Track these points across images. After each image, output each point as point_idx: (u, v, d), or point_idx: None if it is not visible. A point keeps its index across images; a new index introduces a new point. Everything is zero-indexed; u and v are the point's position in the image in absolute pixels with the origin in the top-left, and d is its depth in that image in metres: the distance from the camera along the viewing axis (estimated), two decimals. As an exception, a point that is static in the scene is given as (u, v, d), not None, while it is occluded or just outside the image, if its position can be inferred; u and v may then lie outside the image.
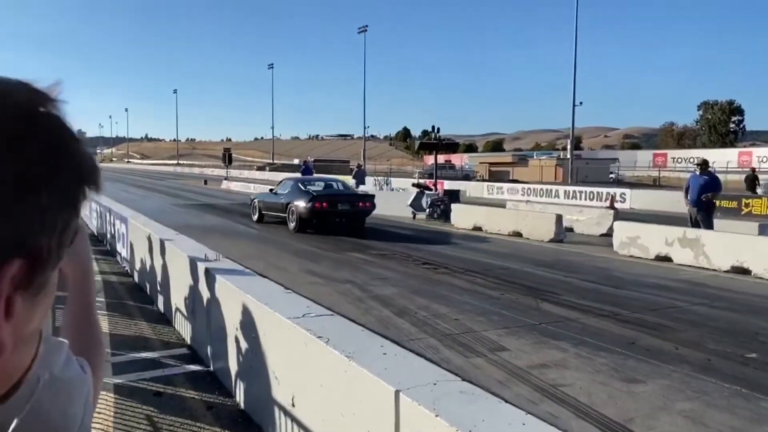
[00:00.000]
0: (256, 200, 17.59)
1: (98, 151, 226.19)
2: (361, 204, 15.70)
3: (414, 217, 18.87)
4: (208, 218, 18.87)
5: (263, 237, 14.41)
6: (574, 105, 50.77)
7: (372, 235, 15.08)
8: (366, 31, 67.83)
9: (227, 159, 38.64)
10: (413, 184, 20.72)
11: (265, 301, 4.05)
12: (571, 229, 15.50)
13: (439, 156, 22.65)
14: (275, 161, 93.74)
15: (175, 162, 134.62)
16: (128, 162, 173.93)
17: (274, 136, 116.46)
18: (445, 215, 17.79)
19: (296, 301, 4.11)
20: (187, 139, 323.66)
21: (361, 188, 24.80)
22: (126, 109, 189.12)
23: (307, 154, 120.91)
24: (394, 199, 20.69)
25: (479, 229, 15.86)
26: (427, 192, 19.33)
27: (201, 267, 5.43)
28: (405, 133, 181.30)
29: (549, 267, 10.70)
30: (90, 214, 15.48)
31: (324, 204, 15.06)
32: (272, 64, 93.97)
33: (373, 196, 16.69)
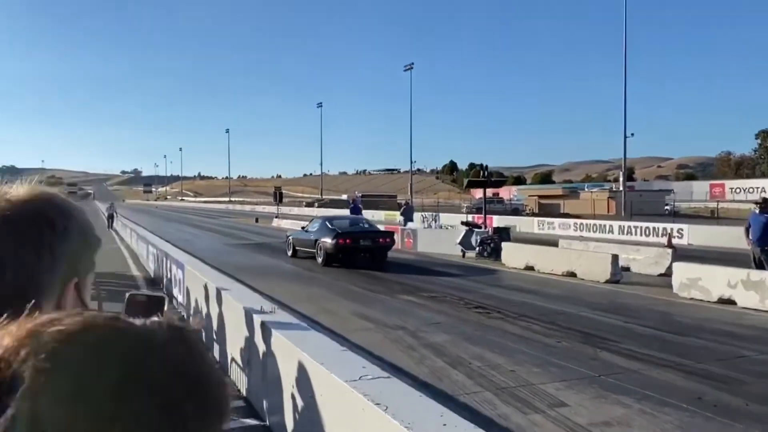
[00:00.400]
0: (290, 237, 19.47)
1: (153, 189, 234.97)
2: (381, 240, 17.29)
3: (464, 256, 18.73)
4: (260, 258, 19.17)
5: (312, 278, 14.59)
6: (625, 136, 49.92)
7: (422, 275, 15.03)
8: (412, 68, 68.81)
9: (278, 197, 39.39)
10: (462, 222, 20.59)
11: (321, 360, 4.05)
12: (627, 269, 15.08)
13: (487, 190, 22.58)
14: (324, 197, 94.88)
15: (227, 199, 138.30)
16: (182, 200, 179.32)
17: (322, 172, 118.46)
18: (496, 253, 17.59)
19: (352, 361, 4.10)
20: (239, 177, 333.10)
21: (410, 225, 24.85)
22: (180, 149, 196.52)
23: (355, 189, 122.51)
24: (443, 237, 20.63)
25: (531, 268, 15.60)
26: (476, 230, 19.18)
27: (257, 320, 5.49)
28: (451, 167, 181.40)
29: (606, 311, 10.41)
30: (147, 257, 15.97)
31: (347, 240, 16.64)
32: (321, 103, 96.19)
33: (392, 233, 18.55)
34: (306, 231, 18.37)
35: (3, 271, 0.91)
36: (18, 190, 1.00)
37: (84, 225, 1.04)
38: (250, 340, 5.72)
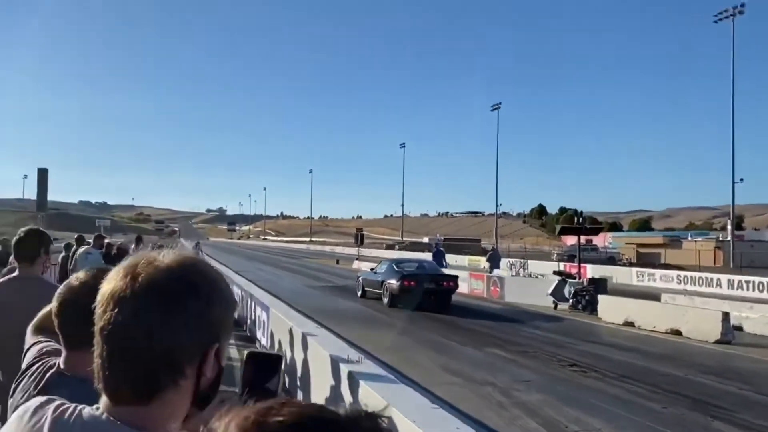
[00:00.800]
0: (360, 278, 20.93)
1: (237, 227, 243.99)
2: (445, 284, 18.23)
3: (555, 308, 18.21)
4: (342, 302, 19.36)
5: (394, 325, 14.63)
6: (733, 181, 47.48)
7: (511, 327, 14.79)
8: (499, 108, 68.80)
9: (359, 239, 39.93)
10: (555, 272, 20.08)
11: (413, 418, 4.00)
12: (739, 328, 14.16)
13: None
14: (404, 239, 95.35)
15: (308, 239, 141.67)
16: (264, 239, 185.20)
17: (403, 214, 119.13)
18: (591, 306, 17.00)
19: (445, 420, 4.05)
20: (320, 217, 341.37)
21: (496, 272, 24.51)
22: (264, 188, 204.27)
23: (437, 232, 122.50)
24: (532, 286, 20.17)
25: (631, 324, 14.93)
26: (569, 280, 18.64)
27: (344, 369, 5.51)
28: (540, 210, 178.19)
29: (718, 375, 9.77)
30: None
31: (412, 282, 17.69)
32: (404, 144, 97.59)
33: (456, 276, 19.09)
34: (374, 272, 19.65)
35: (151, 337, 0.98)
36: (165, 256, 1.07)
37: (225, 290, 1.09)
38: (336, 390, 5.73)
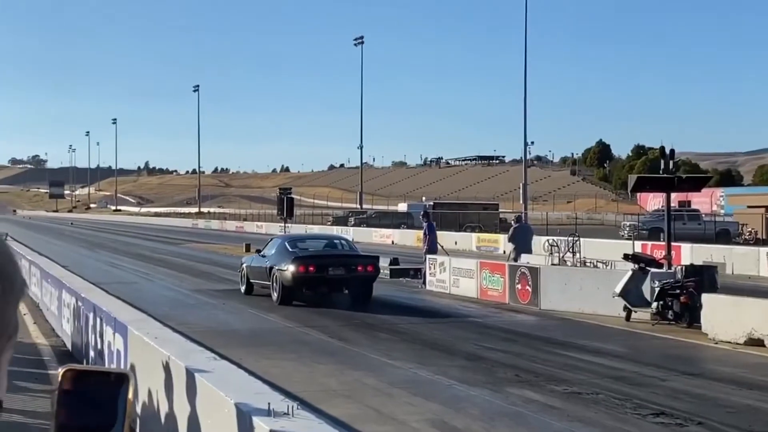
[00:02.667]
0: (244, 265, 23.75)
1: (67, 190, 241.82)
2: (360, 268, 21.06)
3: (628, 317, 18.48)
4: (254, 317, 19.76)
5: (350, 353, 15.19)
6: None
7: (549, 352, 15.10)
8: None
9: (285, 207, 39.73)
10: (626, 257, 20.31)
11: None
12: None
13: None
14: (364, 207, 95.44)
15: (195, 210, 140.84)
16: (117, 210, 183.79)
17: (363, 163, 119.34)
18: (689, 314, 17.30)
19: None
20: (219, 170, 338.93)
21: (524, 259, 24.75)
22: (114, 121, 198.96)
23: (423, 195, 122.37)
24: (588, 281, 20.43)
25: (758, 343, 15.26)
26: (651, 269, 18.90)
27: (260, 427, 5.52)
28: (600, 151, 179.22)
29: None
30: (60, 312, 16.37)
31: (311, 267, 20.48)
32: (362, 38, 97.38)
33: (376, 258, 22.50)
34: (262, 256, 22.42)
35: None
36: None
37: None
38: (249, 467, 5.75)
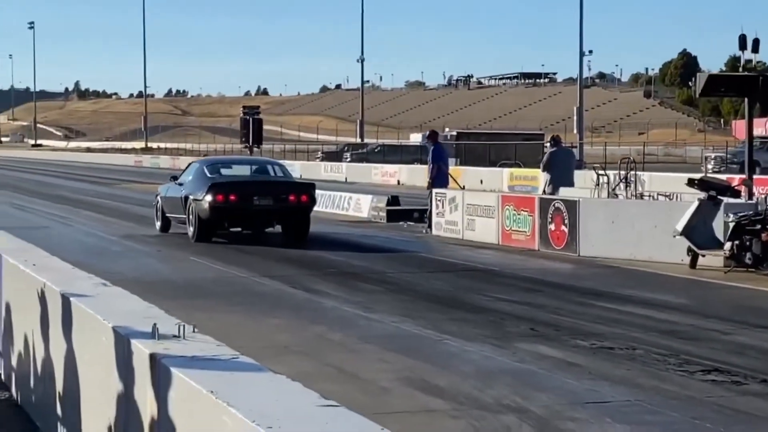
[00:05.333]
0: (159, 197, 25.51)
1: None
2: (292, 197, 22.83)
3: (694, 262, 18.53)
4: (196, 265, 20.11)
5: (315, 305, 15.70)
6: None
7: (583, 307, 15.18)
8: None
9: (252, 132, 39.76)
10: (690, 182, 20.31)
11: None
12: None
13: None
14: (365, 141, 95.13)
15: (141, 145, 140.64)
16: (36, 145, 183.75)
17: (364, 81, 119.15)
18: (772, 257, 17.34)
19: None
20: (174, 93, 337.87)
21: (564, 192, 24.71)
22: (30, 25, 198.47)
23: (446, 125, 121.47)
24: (642, 218, 20.48)
25: None
26: (724, 200, 18.91)
27: (139, 351, 5.59)
28: (684, 67, 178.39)
29: None
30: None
31: (231, 196, 22.10)
32: None
33: (311, 185, 24.30)
34: (178, 184, 24.01)
35: None
36: None
37: None
38: (126, 400, 5.86)
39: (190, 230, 22.63)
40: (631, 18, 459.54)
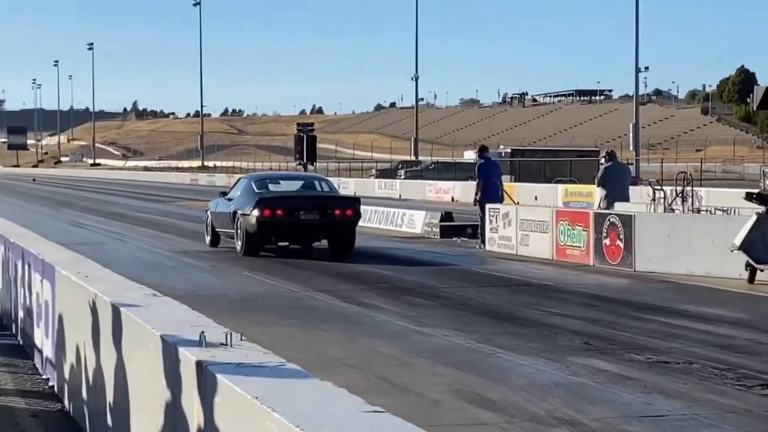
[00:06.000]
0: (209, 212, 26.33)
1: (30, 141, 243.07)
2: (338, 212, 23.34)
3: (752, 277, 18.34)
4: (249, 280, 20.18)
5: (367, 319, 15.66)
6: None
7: (639, 322, 15.06)
8: None
9: (306, 148, 39.85)
10: (749, 196, 20.13)
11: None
12: None
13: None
14: (419, 158, 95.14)
15: (197, 164, 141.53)
16: (95, 164, 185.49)
17: (419, 99, 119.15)
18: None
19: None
20: (230, 113, 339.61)
21: (619, 207, 24.53)
22: (90, 46, 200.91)
23: (499, 142, 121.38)
24: (699, 232, 20.29)
25: None
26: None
27: (186, 359, 5.58)
28: (742, 83, 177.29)
29: None
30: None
31: (278, 211, 22.74)
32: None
33: (356, 200, 25.32)
34: (228, 199, 24.82)
35: None
36: None
37: None
38: (174, 406, 5.88)
39: (238, 244, 23.21)
40: (688, 34, 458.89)
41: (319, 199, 23.99)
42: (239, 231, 23.07)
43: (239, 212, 22.98)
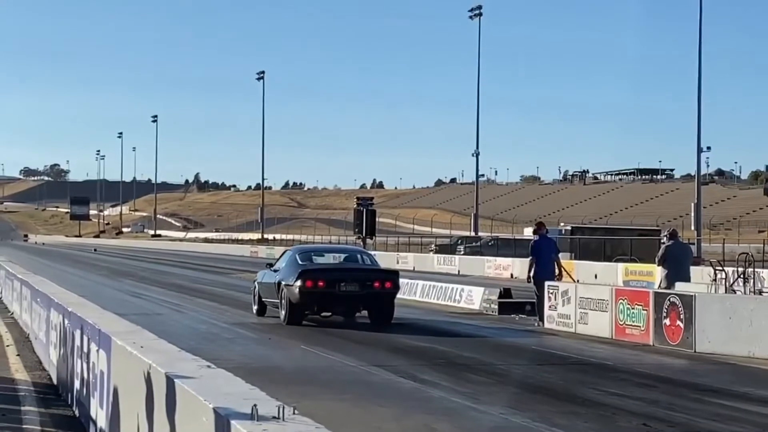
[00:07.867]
0: (256, 283, 27.75)
1: (92, 212, 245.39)
2: (377, 284, 24.46)
3: None
4: (305, 354, 20.25)
5: (423, 394, 15.49)
6: None
7: (700, 401, 15.02)
8: None
9: (365, 222, 39.92)
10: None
11: None
12: None
13: None
14: (479, 234, 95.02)
15: (257, 236, 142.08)
16: (156, 235, 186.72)
17: (479, 174, 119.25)
18: None
19: None
20: (289, 186, 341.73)
21: (681, 287, 24.32)
22: (154, 119, 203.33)
23: (560, 218, 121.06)
24: (761, 314, 19.92)
25: None
26: None
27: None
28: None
29: None
30: (47, 336, 16.68)
31: (320, 282, 23.86)
32: (479, 8, 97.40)
33: (395, 273, 26.70)
34: (273, 270, 26.19)
35: None
36: None
37: None
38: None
39: (282, 313, 24.31)
40: (750, 114, 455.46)
41: (360, 271, 25.31)
42: (283, 300, 24.20)
43: (283, 283, 24.11)
